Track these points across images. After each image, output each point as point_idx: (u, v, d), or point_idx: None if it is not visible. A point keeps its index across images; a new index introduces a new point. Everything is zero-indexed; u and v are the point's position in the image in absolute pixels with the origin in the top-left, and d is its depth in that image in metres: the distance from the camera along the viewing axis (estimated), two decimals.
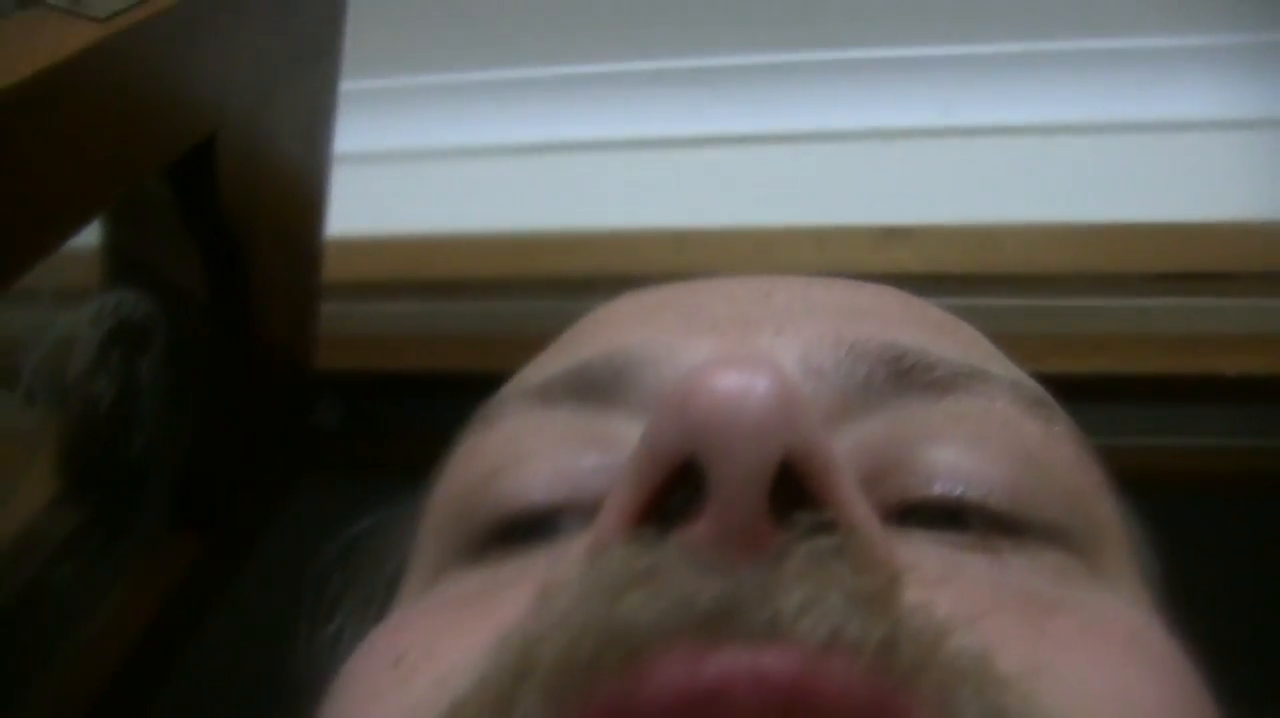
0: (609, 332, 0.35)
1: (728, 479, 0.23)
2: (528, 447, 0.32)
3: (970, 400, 0.31)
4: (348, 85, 0.62)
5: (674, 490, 0.25)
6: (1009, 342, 0.67)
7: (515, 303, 0.74)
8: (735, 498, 0.23)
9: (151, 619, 0.57)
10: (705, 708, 0.20)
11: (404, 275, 0.75)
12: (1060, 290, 0.67)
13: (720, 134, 0.81)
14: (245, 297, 0.57)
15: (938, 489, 0.29)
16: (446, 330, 0.76)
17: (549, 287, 0.72)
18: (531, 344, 0.69)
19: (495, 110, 0.84)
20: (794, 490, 0.24)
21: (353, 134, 0.71)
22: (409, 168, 0.83)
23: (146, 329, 0.54)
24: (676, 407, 0.24)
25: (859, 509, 0.25)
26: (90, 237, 0.51)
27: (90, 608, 0.56)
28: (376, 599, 0.41)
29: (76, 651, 0.54)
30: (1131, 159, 0.74)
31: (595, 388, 0.32)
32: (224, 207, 0.51)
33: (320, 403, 0.76)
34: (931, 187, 0.75)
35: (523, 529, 0.31)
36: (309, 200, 0.62)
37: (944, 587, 0.25)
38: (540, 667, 0.22)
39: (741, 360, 0.24)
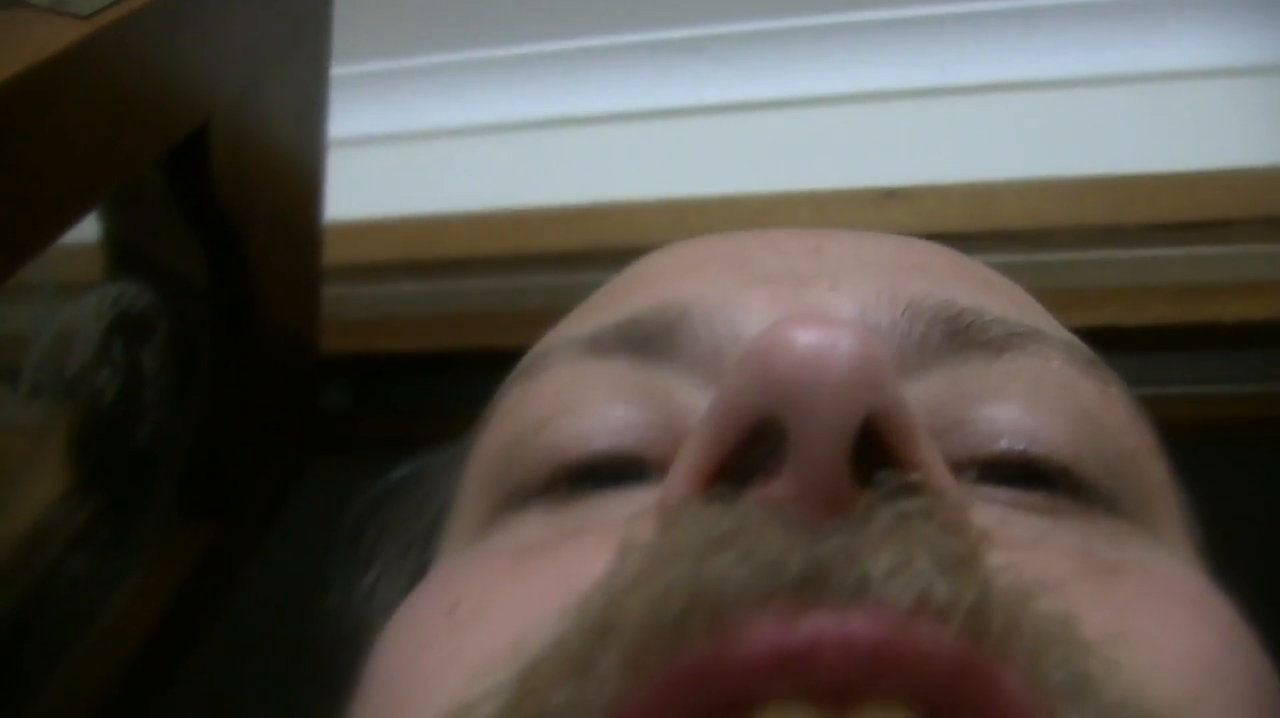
0: (659, 283, 0.34)
1: (811, 438, 0.22)
2: (580, 397, 0.31)
3: (1026, 360, 0.31)
4: (341, 70, 0.62)
5: (749, 449, 0.24)
6: None
7: (517, 278, 0.74)
8: (818, 457, 0.22)
9: (166, 608, 0.57)
10: (794, 671, 0.20)
11: (406, 256, 0.75)
12: (1061, 245, 0.67)
13: (715, 102, 0.80)
14: (246, 283, 0.57)
15: (1003, 445, 0.29)
16: (451, 309, 0.76)
17: (550, 261, 0.72)
18: (535, 319, 0.69)
19: (489, 88, 0.84)
20: (874, 451, 0.24)
21: (349, 118, 0.71)
22: (406, 149, 0.83)
23: (148, 319, 0.55)
24: (757, 364, 0.24)
25: (942, 473, 0.25)
26: (89, 229, 0.51)
27: (104, 599, 0.56)
28: (413, 550, 0.40)
29: (92, 642, 0.55)
30: (1127, 110, 0.73)
31: (648, 341, 0.32)
32: (220, 194, 0.51)
33: (329, 386, 0.77)
34: (929, 146, 0.75)
35: (581, 478, 0.30)
36: (306, 185, 0.62)
37: (1026, 551, 0.25)
38: (623, 627, 0.21)
39: (820, 319, 0.24)
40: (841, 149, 0.77)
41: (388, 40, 0.84)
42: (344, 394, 0.78)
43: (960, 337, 0.31)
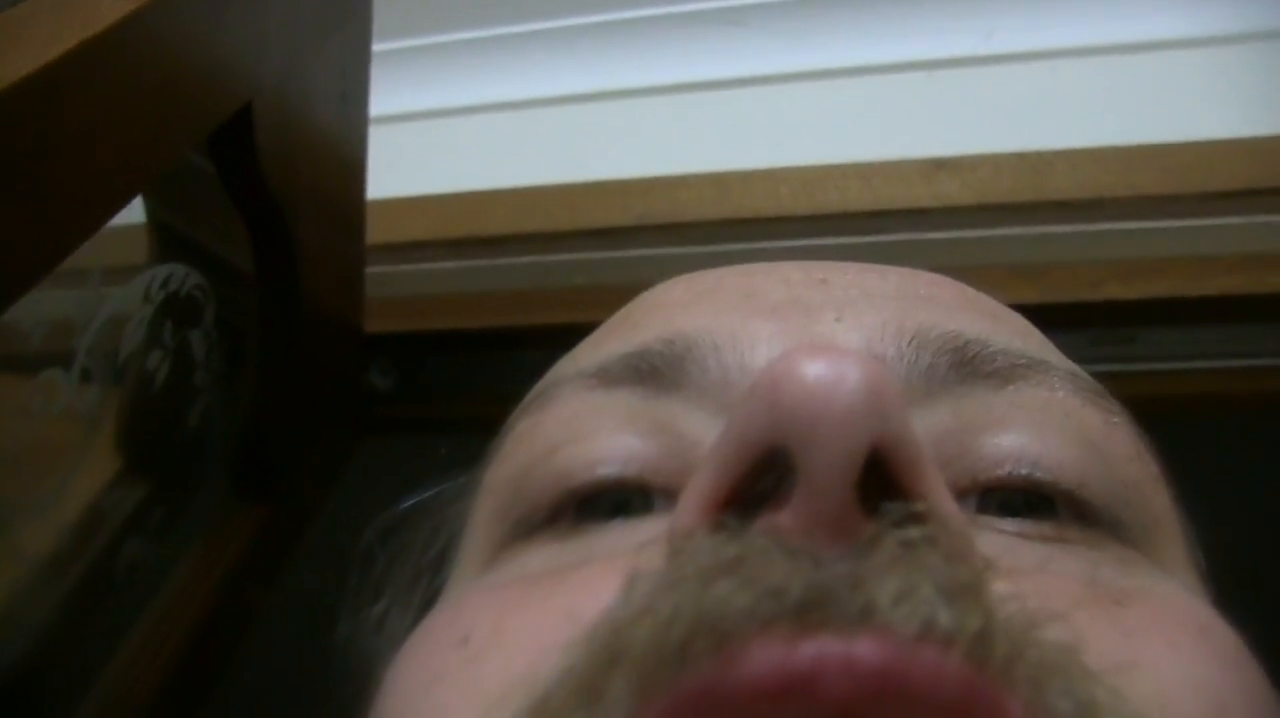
0: (666, 314, 0.34)
1: (818, 468, 0.23)
2: (588, 426, 0.32)
3: (1031, 390, 0.31)
4: (382, 46, 0.62)
5: (758, 478, 0.25)
6: (1065, 270, 0.66)
7: (560, 255, 0.73)
8: (825, 486, 0.23)
9: (219, 589, 0.58)
10: (797, 695, 0.20)
11: (448, 234, 0.75)
12: (1115, 214, 0.66)
13: (758, 74, 0.80)
14: (291, 263, 0.57)
15: (1008, 470, 0.30)
16: (494, 286, 0.76)
17: (593, 237, 0.72)
18: (578, 296, 0.69)
19: (531, 62, 0.83)
20: (880, 480, 0.24)
21: (391, 95, 0.70)
22: (448, 125, 0.83)
23: (196, 302, 0.55)
24: (767, 395, 0.24)
25: (948, 503, 0.25)
26: (135, 213, 0.51)
27: (159, 582, 0.56)
28: (423, 580, 0.41)
29: (148, 625, 0.55)
30: (1183, 76, 0.72)
31: (656, 373, 0.32)
32: (264, 175, 0.51)
33: (373, 366, 0.77)
34: (978, 116, 0.74)
35: (588, 505, 0.31)
36: (349, 164, 0.62)
37: (1030, 579, 0.25)
38: (629, 653, 0.22)
39: (829, 349, 0.24)
40: (889, 120, 0.76)
41: (428, 15, 0.84)
42: (387, 375, 0.78)
43: (966, 367, 0.31)
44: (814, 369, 0.23)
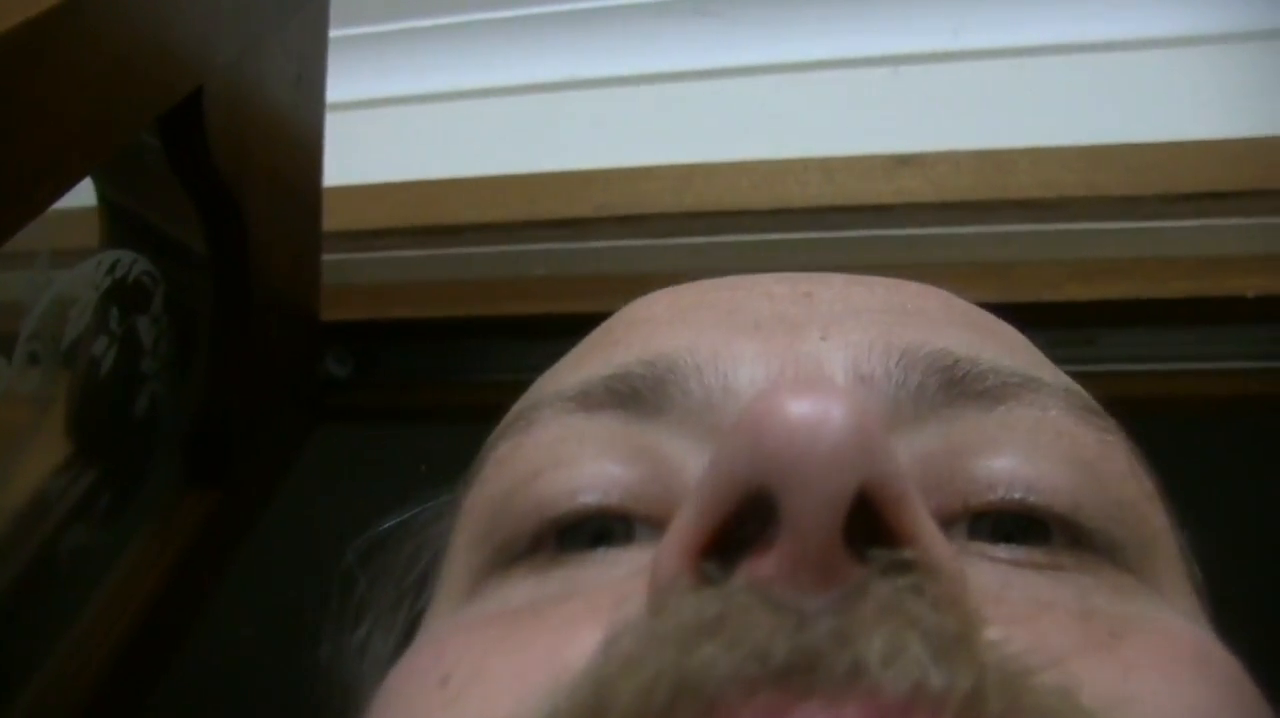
0: (646, 332, 0.34)
1: (802, 512, 0.22)
2: (570, 452, 0.31)
3: (1023, 410, 0.31)
4: (342, 32, 0.61)
5: (743, 521, 0.24)
6: (1026, 269, 0.66)
7: (520, 245, 0.73)
8: (809, 531, 0.22)
9: (167, 577, 0.57)
10: None
11: (407, 222, 0.74)
12: (1077, 214, 0.66)
13: (723, 66, 0.79)
14: (244, 249, 0.56)
15: (1000, 495, 0.29)
16: (453, 276, 0.75)
17: (553, 228, 0.71)
18: (537, 286, 0.68)
19: (492, 50, 0.83)
20: (866, 522, 0.23)
21: (350, 81, 0.70)
22: (408, 112, 0.82)
23: (145, 287, 0.54)
24: (748, 435, 0.23)
25: (938, 545, 0.24)
26: (85, 195, 0.50)
27: (105, 569, 0.55)
28: (406, 603, 0.40)
29: (94, 613, 0.54)
30: (1146, 76, 0.72)
31: (637, 396, 0.31)
32: (216, 159, 0.51)
33: (329, 354, 0.76)
34: (942, 112, 0.74)
35: (570, 535, 0.30)
36: (304, 149, 0.61)
37: (1023, 621, 0.25)
38: (612, 715, 0.21)
39: (813, 387, 0.24)
40: (852, 114, 0.75)
41: (388, 1, 0.83)
42: (344, 363, 0.77)
43: (955, 387, 0.30)
44: (798, 409, 0.23)
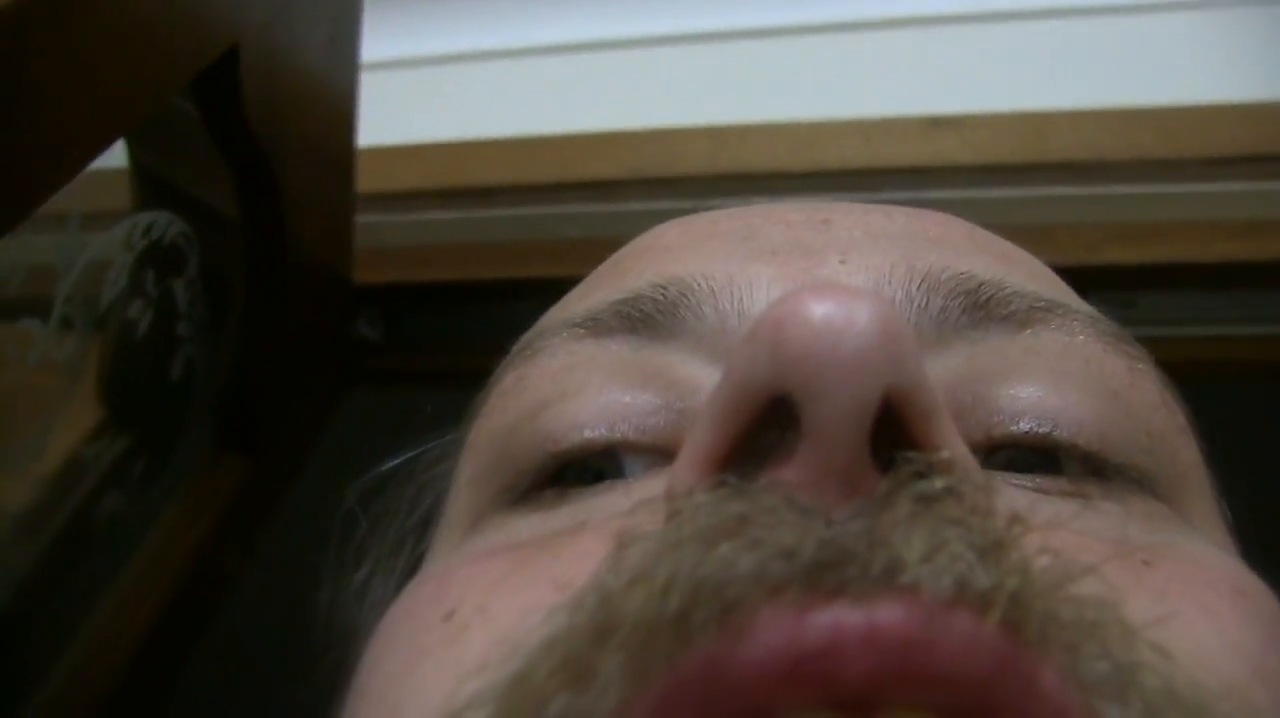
0: (658, 259, 0.33)
1: (826, 418, 0.21)
2: (577, 381, 0.30)
3: (1049, 335, 0.30)
4: None
5: (761, 431, 0.23)
6: (1063, 232, 0.65)
7: (553, 207, 0.72)
8: (835, 438, 0.21)
9: (203, 540, 0.57)
10: (811, 676, 0.18)
11: (440, 183, 0.74)
12: (1115, 177, 0.65)
13: (759, 26, 0.78)
14: (277, 211, 0.56)
15: (1025, 427, 0.28)
16: (485, 238, 0.75)
17: (586, 189, 0.71)
18: (569, 249, 0.68)
19: (523, 10, 0.82)
20: (892, 432, 0.22)
21: (384, 41, 0.69)
22: (441, 73, 0.82)
23: (180, 250, 0.54)
24: (769, 338, 0.22)
25: (967, 453, 0.23)
26: (118, 158, 0.50)
27: (140, 533, 0.56)
28: (407, 546, 0.39)
29: (130, 577, 0.54)
30: (1186, 39, 0.71)
31: (648, 320, 0.30)
32: (251, 120, 0.50)
33: (361, 317, 0.76)
34: (979, 74, 0.73)
35: (577, 469, 0.29)
36: (338, 110, 0.61)
37: (1057, 534, 0.23)
38: (622, 627, 0.20)
39: (837, 287, 0.22)
40: (888, 76, 0.75)
41: None
42: (376, 326, 0.77)
43: (980, 310, 0.29)
44: (821, 309, 0.21)
